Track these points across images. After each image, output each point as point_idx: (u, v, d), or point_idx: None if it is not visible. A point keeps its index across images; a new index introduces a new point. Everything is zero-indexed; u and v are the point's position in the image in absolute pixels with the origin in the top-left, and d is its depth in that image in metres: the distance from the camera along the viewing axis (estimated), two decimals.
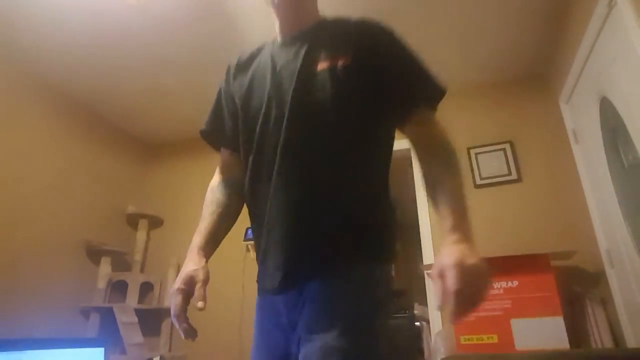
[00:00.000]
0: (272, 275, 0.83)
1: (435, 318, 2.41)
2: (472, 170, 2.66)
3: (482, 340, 1.93)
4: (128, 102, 2.98)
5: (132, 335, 2.57)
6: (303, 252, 0.81)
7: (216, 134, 1.05)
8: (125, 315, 2.61)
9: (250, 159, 0.91)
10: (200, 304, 0.79)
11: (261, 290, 0.90)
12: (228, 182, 1.03)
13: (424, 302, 2.62)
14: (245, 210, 0.99)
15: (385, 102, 0.87)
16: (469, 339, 1.95)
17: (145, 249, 3.14)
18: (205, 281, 0.84)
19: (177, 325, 0.84)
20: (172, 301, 0.84)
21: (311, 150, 0.84)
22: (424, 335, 2.51)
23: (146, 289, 2.98)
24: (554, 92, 2.61)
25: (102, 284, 2.76)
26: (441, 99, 0.90)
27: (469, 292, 0.63)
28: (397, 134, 0.93)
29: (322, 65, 0.87)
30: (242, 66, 1.02)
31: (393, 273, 0.93)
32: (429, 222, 2.62)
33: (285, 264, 0.81)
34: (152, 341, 2.81)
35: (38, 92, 2.67)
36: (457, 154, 0.84)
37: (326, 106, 0.84)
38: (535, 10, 2.23)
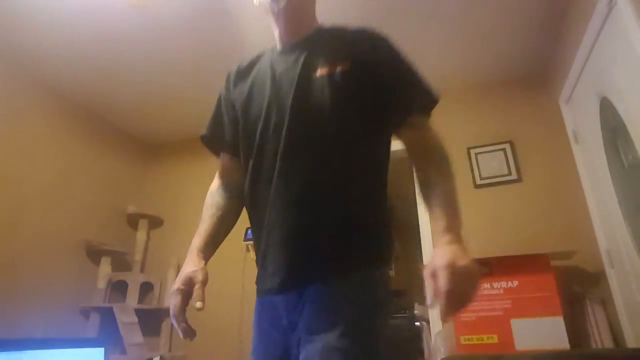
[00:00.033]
0: (271, 276, 0.84)
1: (435, 318, 2.41)
2: (472, 170, 2.65)
3: (482, 340, 1.93)
4: (128, 102, 2.98)
5: (132, 335, 2.57)
6: (303, 253, 0.82)
7: (216, 139, 1.06)
8: (125, 315, 2.61)
9: (251, 162, 0.92)
10: (198, 304, 0.81)
11: (260, 291, 0.90)
12: (228, 186, 1.04)
13: (424, 302, 2.62)
14: (245, 210, 1.00)
15: (381, 108, 0.89)
16: (469, 339, 1.95)
17: (145, 249, 3.14)
18: (204, 282, 0.86)
19: (175, 325, 0.85)
20: (171, 301, 0.86)
21: (311, 153, 0.85)
22: (424, 335, 2.51)
23: (146, 289, 2.98)
24: (554, 92, 2.61)
25: (102, 284, 2.76)
26: (434, 106, 0.92)
27: (459, 292, 0.66)
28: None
29: (321, 72, 0.89)
30: (242, 73, 1.04)
31: (392, 273, 0.94)
32: (429, 223, 2.62)
33: (285, 264, 0.82)
34: (152, 341, 2.81)
35: (38, 92, 2.68)
36: (451, 158, 0.86)
37: (325, 111, 0.86)
38: (535, 10, 2.23)
